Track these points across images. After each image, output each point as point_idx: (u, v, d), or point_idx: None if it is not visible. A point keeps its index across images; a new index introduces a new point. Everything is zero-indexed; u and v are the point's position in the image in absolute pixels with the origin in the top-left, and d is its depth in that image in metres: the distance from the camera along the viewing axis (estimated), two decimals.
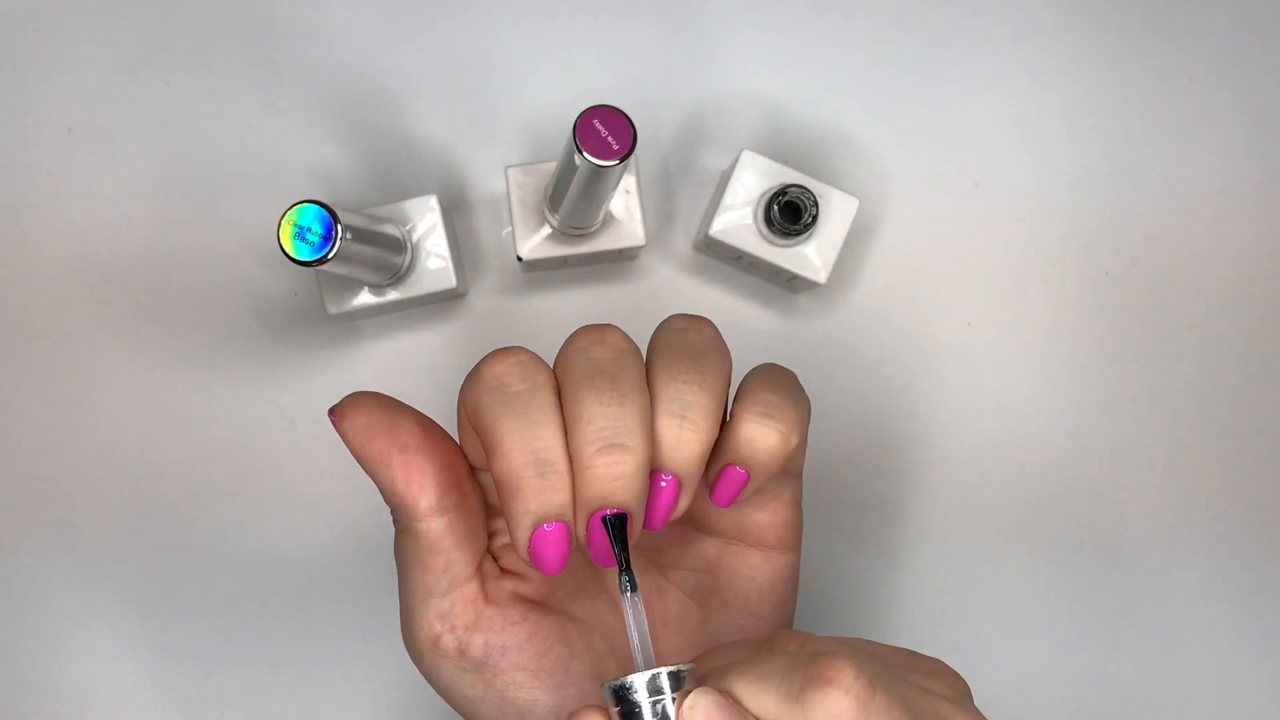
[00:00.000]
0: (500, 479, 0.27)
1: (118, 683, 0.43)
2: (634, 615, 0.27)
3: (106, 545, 0.43)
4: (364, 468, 0.30)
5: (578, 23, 0.45)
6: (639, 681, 0.25)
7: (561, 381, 0.28)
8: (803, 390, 0.31)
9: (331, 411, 0.30)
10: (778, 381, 0.30)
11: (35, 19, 0.44)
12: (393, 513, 0.30)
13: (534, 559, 0.28)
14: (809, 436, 0.31)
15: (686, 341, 0.29)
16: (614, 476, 0.27)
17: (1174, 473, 0.45)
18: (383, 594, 0.44)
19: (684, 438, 0.28)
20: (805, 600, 0.44)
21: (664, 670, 0.25)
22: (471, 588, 0.30)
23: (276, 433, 0.44)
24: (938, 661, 0.28)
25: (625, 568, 0.27)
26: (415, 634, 0.30)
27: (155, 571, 0.43)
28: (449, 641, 0.30)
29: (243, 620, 0.44)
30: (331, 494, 0.44)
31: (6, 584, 0.43)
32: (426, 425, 0.30)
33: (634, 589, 0.28)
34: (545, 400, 0.28)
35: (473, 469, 0.31)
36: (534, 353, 0.29)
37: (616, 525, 0.27)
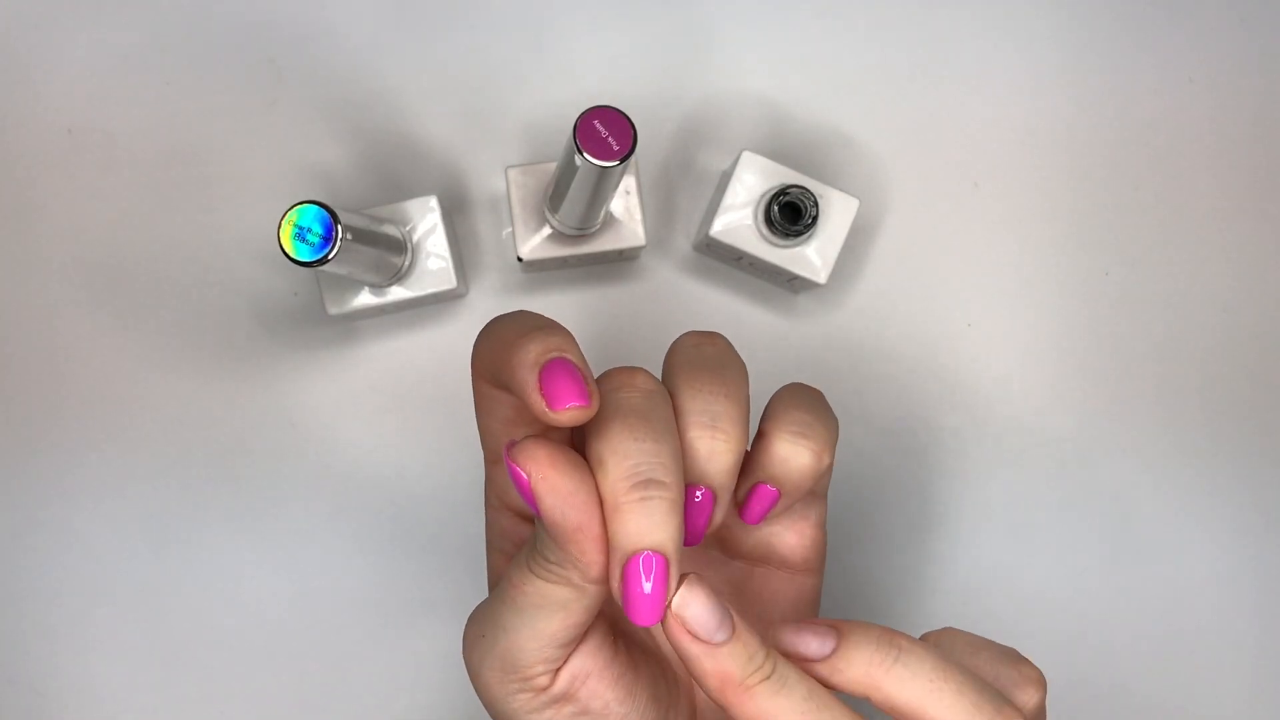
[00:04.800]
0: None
1: (118, 683, 0.43)
2: None
3: (107, 545, 0.43)
4: (548, 526, 0.26)
5: (578, 23, 0.45)
6: None
7: (594, 421, 0.27)
8: (832, 411, 0.30)
9: (517, 460, 0.26)
10: (809, 401, 0.30)
11: (36, 19, 0.44)
12: (547, 559, 0.27)
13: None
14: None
15: (704, 356, 0.29)
16: (649, 512, 0.25)
17: (1175, 471, 0.45)
18: (382, 594, 0.44)
19: (717, 448, 0.27)
20: None
21: None
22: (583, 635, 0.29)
23: (277, 433, 0.44)
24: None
25: None
26: (509, 671, 0.28)
27: (155, 571, 0.43)
28: (543, 681, 0.29)
29: (243, 620, 0.44)
30: (331, 494, 0.44)
31: (8, 582, 0.43)
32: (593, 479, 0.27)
33: None
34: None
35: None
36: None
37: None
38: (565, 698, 0.29)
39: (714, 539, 0.32)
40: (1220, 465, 0.46)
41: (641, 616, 0.26)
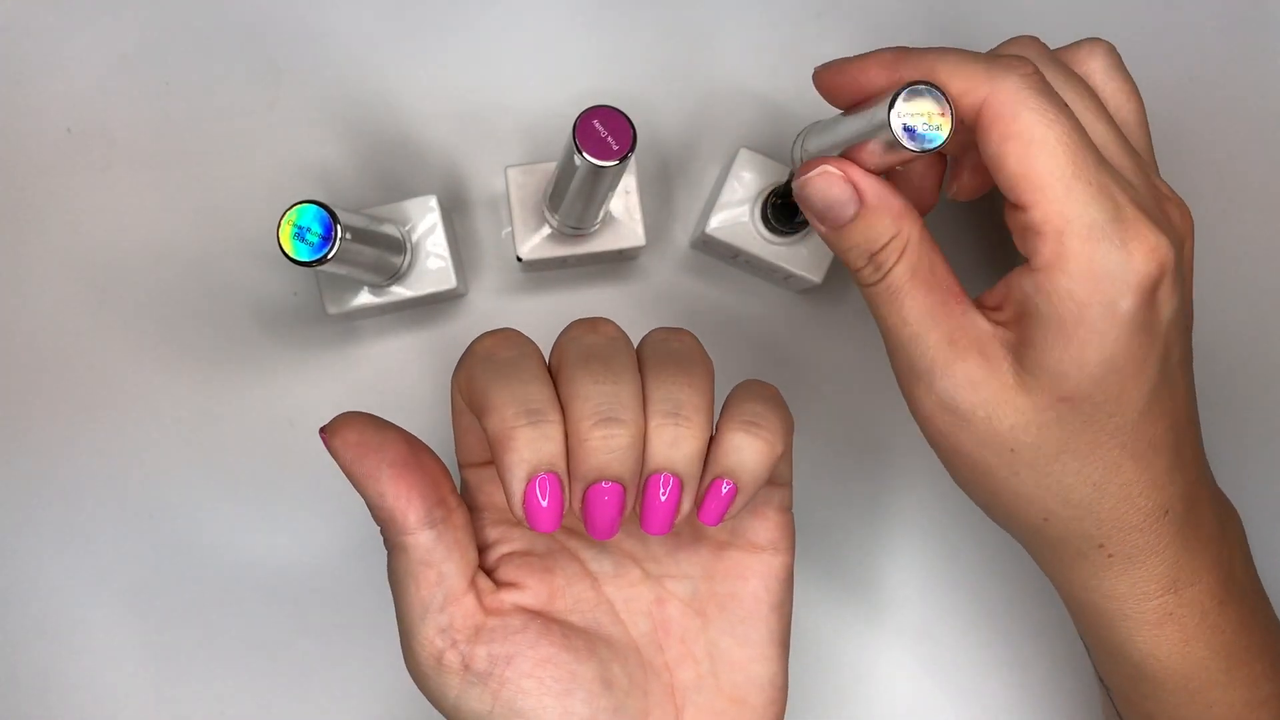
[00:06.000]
0: (493, 435, 0.28)
1: (116, 684, 0.43)
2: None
3: (106, 545, 0.43)
4: (354, 483, 0.31)
5: (577, 23, 0.45)
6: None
7: (557, 366, 0.29)
8: (785, 406, 0.31)
9: (323, 430, 0.31)
10: (760, 394, 0.31)
11: (35, 20, 0.44)
12: (382, 531, 0.31)
13: (528, 514, 0.28)
14: (798, 446, 0.31)
15: (670, 348, 0.30)
16: (610, 449, 0.28)
17: None
18: (384, 594, 0.44)
19: (680, 434, 0.28)
20: (800, 596, 0.44)
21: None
22: (468, 600, 0.31)
23: (276, 433, 0.44)
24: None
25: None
26: (417, 652, 0.31)
27: (155, 572, 0.43)
28: (452, 657, 0.30)
29: (243, 621, 0.44)
30: (332, 493, 0.44)
31: (8, 582, 0.43)
32: (413, 443, 0.31)
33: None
34: (534, 363, 0.29)
35: (454, 490, 0.32)
36: (521, 331, 0.30)
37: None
38: (491, 677, 0.30)
39: (680, 524, 0.33)
40: (1219, 464, 0.46)
41: (599, 533, 0.29)
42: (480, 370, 0.29)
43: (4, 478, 0.43)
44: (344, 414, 0.31)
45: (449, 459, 0.34)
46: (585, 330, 0.30)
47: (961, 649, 0.45)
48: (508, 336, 0.30)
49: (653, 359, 0.30)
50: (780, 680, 0.33)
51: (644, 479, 0.29)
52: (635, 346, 0.31)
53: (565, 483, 0.28)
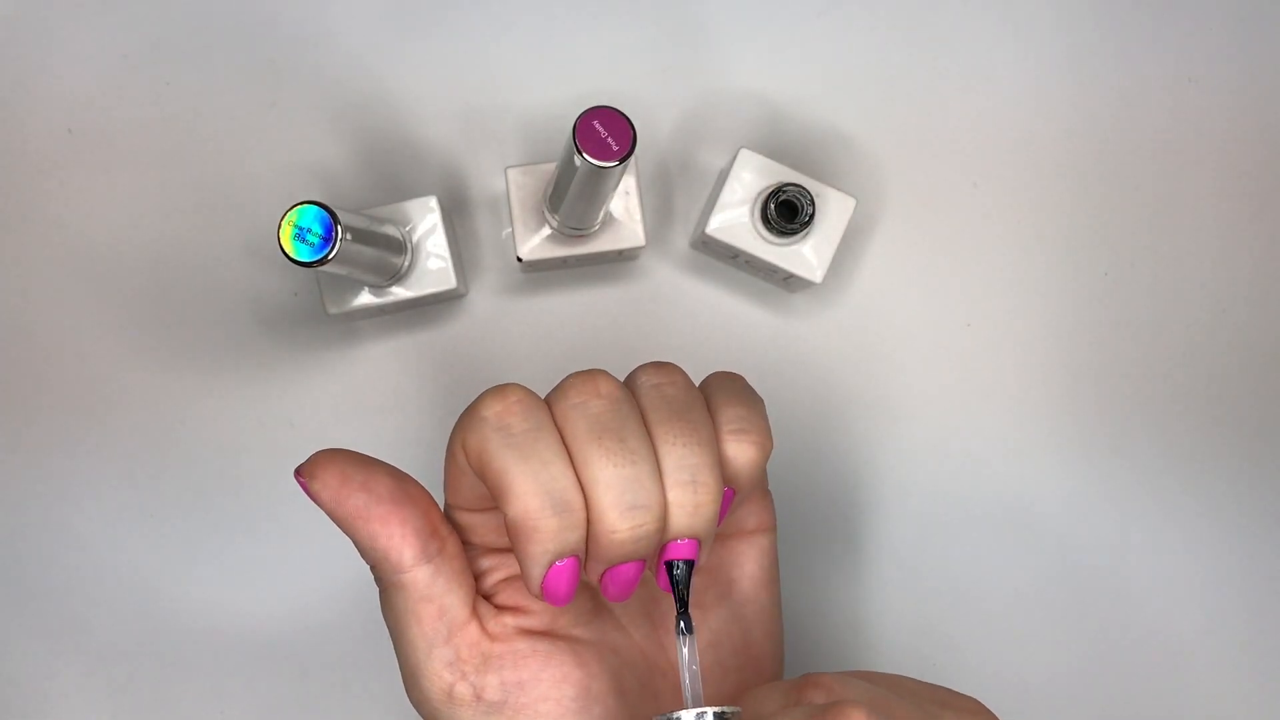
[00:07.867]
0: (515, 523, 0.27)
1: (117, 684, 0.43)
2: (688, 653, 0.28)
3: (106, 545, 0.43)
4: (340, 526, 0.30)
5: (577, 23, 0.45)
6: (687, 718, 0.26)
7: (566, 437, 0.28)
8: (757, 394, 0.31)
9: (299, 472, 0.30)
10: (737, 393, 0.31)
11: (36, 19, 0.44)
12: (374, 570, 0.30)
13: (546, 595, 0.28)
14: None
15: (667, 397, 0.29)
16: (638, 538, 0.27)
17: (1170, 471, 0.46)
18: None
19: (700, 501, 0.28)
20: (799, 600, 0.44)
21: (710, 710, 0.26)
22: (472, 630, 0.30)
23: (276, 433, 0.44)
24: (972, 700, 0.28)
25: (684, 610, 0.28)
26: (426, 690, 0.30)
27: (154, 571, 0.44)
28: (463, 689, 0.30)
29: (243, 621, 0.44)
30: None
31: (8, 582, 0.43)
32: (398, 475, 0.30)
33: (690, 630, 0.28)
34: (551, 437, 0.28)
35: (445, 515, 0.31)
36: (529, 389, 0.29)
37: (681, 570, 0.28)
38: (506, 706, 0.30)
39: None
40: (1218, 464, 0.46)
41: (615, 599, 0.29)
42: (495, 445, 0.27)
43: (3, 477, 0.43)
44: (320, 453, 0.30)
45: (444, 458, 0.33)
46: (588, 394, 0.28)
47: (963, 647, 0.45)
48: (520, 401, 0.28)
49: (655, 414, 0.29)
50: (781, 651, 0.34)
51: (664, 542, 0.29)
52: (625, 382, 0.30)
53: (583, 559, 0.28)
